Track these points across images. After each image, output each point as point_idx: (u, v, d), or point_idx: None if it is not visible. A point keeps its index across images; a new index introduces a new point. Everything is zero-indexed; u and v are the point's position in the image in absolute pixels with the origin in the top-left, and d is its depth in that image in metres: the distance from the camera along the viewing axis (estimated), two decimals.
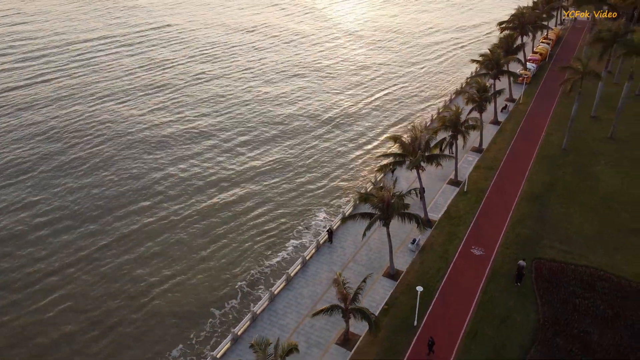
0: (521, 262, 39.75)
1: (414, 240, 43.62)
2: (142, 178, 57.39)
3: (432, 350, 33.49)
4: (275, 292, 39.33)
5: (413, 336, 35.08)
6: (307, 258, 42.85)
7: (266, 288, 42.23)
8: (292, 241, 48.13)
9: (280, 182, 56.99)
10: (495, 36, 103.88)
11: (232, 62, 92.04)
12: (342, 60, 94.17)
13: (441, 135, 53.76)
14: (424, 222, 39.77)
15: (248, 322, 36.69)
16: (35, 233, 48.52)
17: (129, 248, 47.00)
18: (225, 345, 34.99)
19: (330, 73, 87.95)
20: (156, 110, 72.86)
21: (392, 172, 50.67)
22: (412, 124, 46.48)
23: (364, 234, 37.37)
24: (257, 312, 37.56)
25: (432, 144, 46.85)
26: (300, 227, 49.83)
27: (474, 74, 70.68)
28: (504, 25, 74.30)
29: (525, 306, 37.30)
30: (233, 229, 49.56)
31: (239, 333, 35.89)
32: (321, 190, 55.30)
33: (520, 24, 71.03)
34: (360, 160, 61.25)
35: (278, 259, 45.85)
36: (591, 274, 40.19)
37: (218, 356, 34.23)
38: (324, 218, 51.01)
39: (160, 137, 65.68)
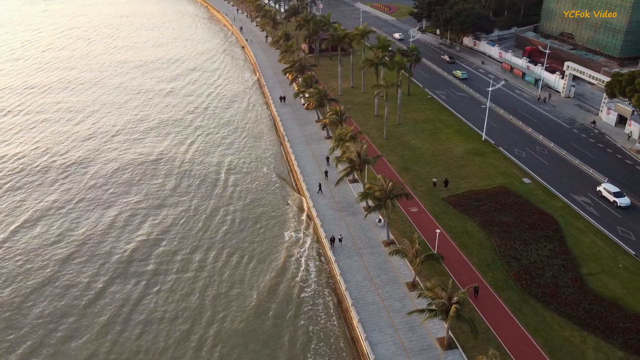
0: (434, 179, 66.75)
1: (380, 220, 61.45)
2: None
3: (477, 294, 49.82)
4: (344, 291, 51.05)
5: (443, 262, 53.38)
6: (333, 261, 55.31)
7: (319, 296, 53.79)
8: (291, 265, 58.81)
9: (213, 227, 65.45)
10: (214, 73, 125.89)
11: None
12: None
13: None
14: (409, 197, 57.82)
15: (356, 315, 47.93)
16: None
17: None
18: (360, 328, 45.80)
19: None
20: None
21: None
22: (350, 143, 63.41)
23: (381, 221, 53.58)
24: (350, 307, 48.99)
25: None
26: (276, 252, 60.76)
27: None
28: (288, 70, 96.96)
29: (468, 222, 60.83)
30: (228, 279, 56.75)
31: (356, 324, 47.03)
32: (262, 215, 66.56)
33: (300, 67, 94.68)
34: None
35: (302, 273, 56.68)
36: (470, 193, 66.84)
37: (364, 337, 45.02)
38: (290, 235, 63.83)
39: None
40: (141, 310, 52.59)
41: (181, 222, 67.52)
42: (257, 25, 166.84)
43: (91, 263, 59.81)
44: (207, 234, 64.83)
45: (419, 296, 43.44)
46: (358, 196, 57.55)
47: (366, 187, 56.33)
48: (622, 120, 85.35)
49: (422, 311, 42.96)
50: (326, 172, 71.81)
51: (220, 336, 49.07)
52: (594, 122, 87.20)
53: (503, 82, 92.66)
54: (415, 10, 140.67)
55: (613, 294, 49.24)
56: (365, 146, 62.12)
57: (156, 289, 55.62)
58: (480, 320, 46.63)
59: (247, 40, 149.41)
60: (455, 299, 40.71)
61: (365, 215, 56.61)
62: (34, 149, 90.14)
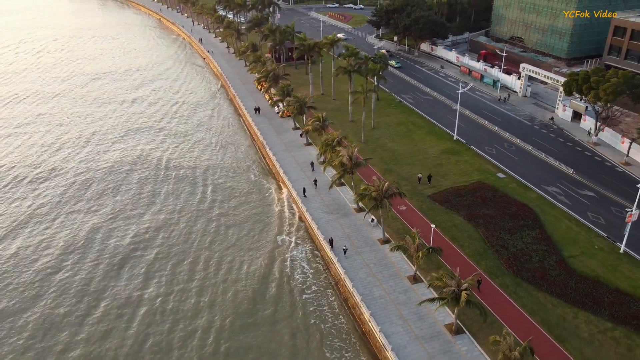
0: (419, 175, 70.54)
1: (372, 220, 64.19)
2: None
3: (479, 287, 52.89)
4: (351, 288, 53.25)
5: (441, 255, 56.37)
6: (336, 261, 57.39)
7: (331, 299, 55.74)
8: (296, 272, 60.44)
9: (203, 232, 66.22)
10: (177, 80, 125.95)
11: None
12: None
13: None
14: (403, 195, 60.63)
15: (367, 309, 50.21)
16: None
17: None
18: (373, 322, 48.12)
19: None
20: None
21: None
22: (341, 148, 65.88)
23: (374, 220, 56.37)
24: (359, 302, 51.23)
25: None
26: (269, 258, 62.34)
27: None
28: (262, 80, 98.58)
29: (454, 217, 64.60)
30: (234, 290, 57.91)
31: (368, 318, 49.34)
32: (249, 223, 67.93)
33: (274, 76, 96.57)
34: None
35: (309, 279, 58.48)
36: (451, 189, 70.87)
37: (378, 329, 47.37)
38: (283, 239, 65.56)
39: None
40: (141, 321, 52.94)
41: (169, 232, 67.97)
42: (216, 37, 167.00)
43: (79, 279, 59.28)
44: (198, 243, 65.69)
45: (429, 286, 46.44)
46: (355, 197, 60.10)
47: (362, 188, 58.91)
48: (576, 116, 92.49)
49: (432, 300, 46.04)
50: (315, 181, 73.63)
51: (231, 341, 50.01)
52: (552, 119, 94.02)
53: (471, 85, 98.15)
54: (374, 18, 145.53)
55: (594, 272, 54.08)
56: (356, 149, 64.84)
57: (154, 297, 56.16)
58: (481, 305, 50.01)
59: (208, 51, 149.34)
60: (464, 285, 43.87)
61: (365, 215, 59.31)
62: (0, 165, 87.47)
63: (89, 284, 58.54)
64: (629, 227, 55.95)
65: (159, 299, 55.82)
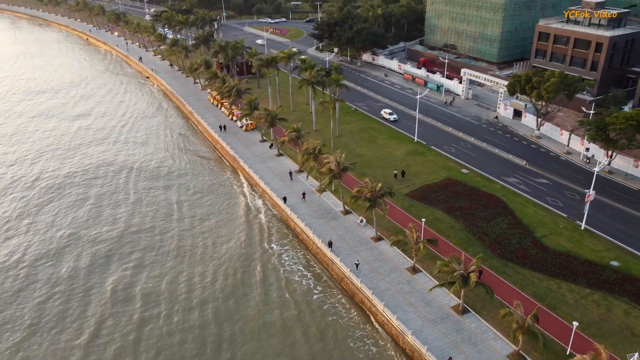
0: (395, 172, 76.27)
1: (362, 220, 68.34)
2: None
3: (480, 277, 57.33)
4: (359, 284, 56.92)
5: (437, 246, 61.16)
6: (338, 262, 60.76)
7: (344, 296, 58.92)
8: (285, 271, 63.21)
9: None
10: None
11: None
12: None
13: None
14: (392, 194, 65.09)
15: (380, 301, 54.03)
16: None
17: None
18: (388, 312, 51.99)
19: None
20: None
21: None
22: (327, 155, 69.23)
23: (363, 221, 61.22)
24: (371, 296, 54.96)
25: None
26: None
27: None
28: (225, 96, 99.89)
29: (434, 211, 70.30)
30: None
31: (383, 309, 53.15)
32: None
33: (236, 92, 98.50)
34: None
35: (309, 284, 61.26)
36: (425, 187, 76.73)
37: (395, 317, 51.32)
38: (272, 247, 68.40)
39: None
40: (147, 338, 53.58)
41: (160, 248, 68.28)
42: (155, 55, 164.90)
43: (72, 301, 58.52)
44: (189, 258, 66.66)
45: (439, 272, 51.23)
46: (349, 200, 63.95)
47: (355, 190, 62.94)
48: (517, 114, 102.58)
49: (441, 285, 50.86)
50: (304, 194, 76.11)
51: (256, 346, 52.02)
52: (496, 117, 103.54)
53: (427, 91, 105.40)
54: (316, 31, 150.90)
55: (565, 248, 61.65)
56: (343, 155, 68.77)
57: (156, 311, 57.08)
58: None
59: (152, 70, 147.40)
60: (472, 267, 49.02)
61: (364, 214, 63.14)
62: None
63: (77, 292, 57.92)
64: (587, 206, 64.22)
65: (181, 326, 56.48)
